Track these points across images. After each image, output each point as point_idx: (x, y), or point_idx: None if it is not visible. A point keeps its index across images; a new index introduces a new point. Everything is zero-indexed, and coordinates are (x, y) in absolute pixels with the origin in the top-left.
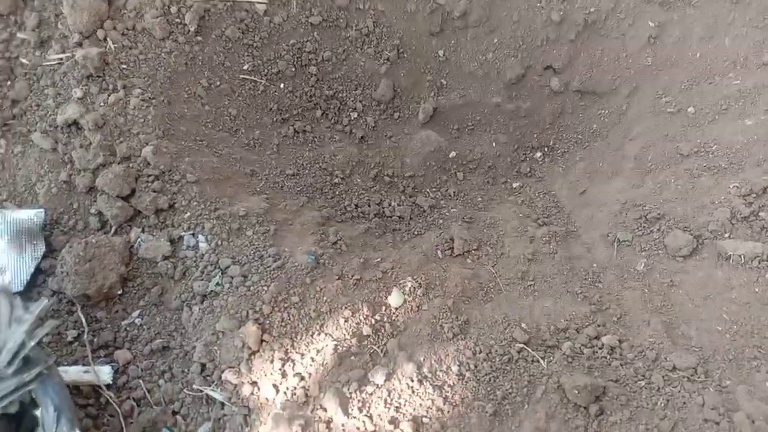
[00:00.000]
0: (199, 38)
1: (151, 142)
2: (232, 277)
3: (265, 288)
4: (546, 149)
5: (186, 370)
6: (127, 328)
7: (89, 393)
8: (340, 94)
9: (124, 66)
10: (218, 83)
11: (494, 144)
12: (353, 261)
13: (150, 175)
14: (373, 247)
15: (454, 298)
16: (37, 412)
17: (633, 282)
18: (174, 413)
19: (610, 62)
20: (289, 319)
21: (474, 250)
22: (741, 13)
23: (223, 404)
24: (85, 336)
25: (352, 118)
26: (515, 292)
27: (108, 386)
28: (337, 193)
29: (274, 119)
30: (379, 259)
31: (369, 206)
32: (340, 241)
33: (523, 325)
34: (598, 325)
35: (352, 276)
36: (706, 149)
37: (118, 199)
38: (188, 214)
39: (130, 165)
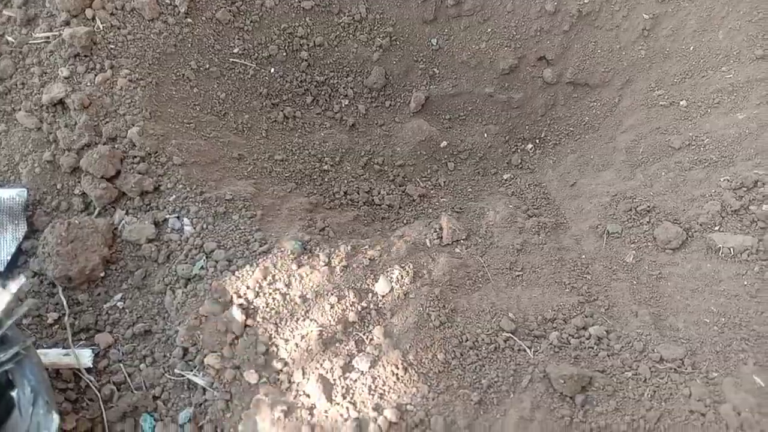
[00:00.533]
0: (189, 20)
1: (138, 124)
2: (217, 261)
3: (250, 273)
4: (537, 141)
5: (168, 354)
6: (109, 311)
7: (69, 376)
8: (332, 81)
9: (112, 46)
10: (207, 66)
11: (485, 135)
12: (340, 248)
13: (135, 157)
14: (361, 235)
15: (442, 287)
16: (14, 393)
17: (622, 273)
18: (155, 398)
19: (603, 54)
20: (274, 305)
21: (463, 239)
22: (735, 6)
23: (204, 389)
24: (66, 318)
25: (343, 105)
26: (503, 282)
27: (88, 370)
28: (326, 180)
29: (264, 104)
30: (366, 247)
31: (358, 194)
32: (327, 227)
33: (511, 314)
34: (586, 316)
35: (339, 262)
36: (698, 142)
37: (102, 180)
38: (174, 196)
39: (116, 146)
